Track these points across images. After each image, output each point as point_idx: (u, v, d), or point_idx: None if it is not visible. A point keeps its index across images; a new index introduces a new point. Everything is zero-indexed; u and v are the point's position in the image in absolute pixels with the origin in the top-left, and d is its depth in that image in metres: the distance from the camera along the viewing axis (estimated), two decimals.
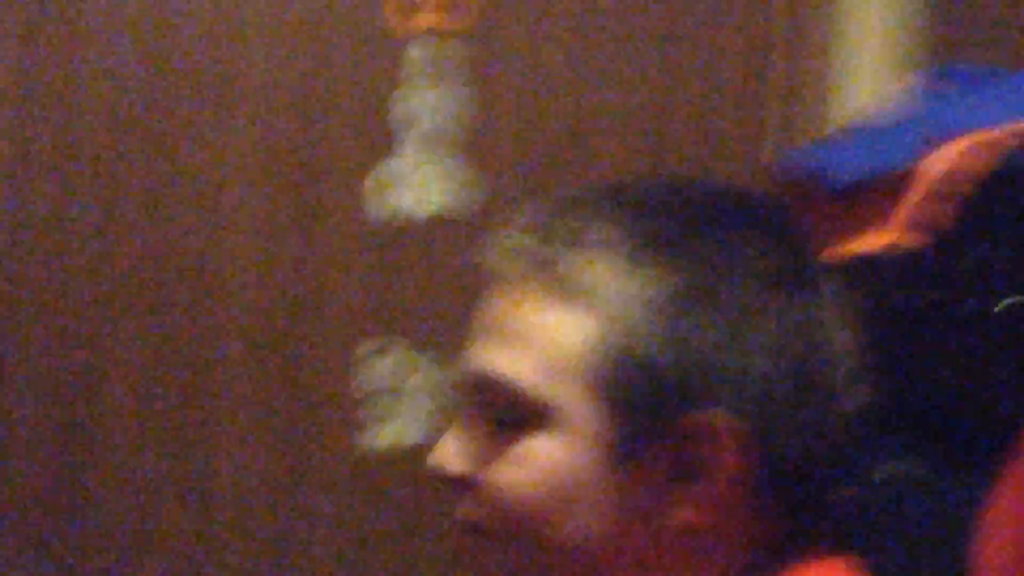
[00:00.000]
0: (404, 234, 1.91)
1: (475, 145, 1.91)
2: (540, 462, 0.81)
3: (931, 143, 1.61)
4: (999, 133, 1.50)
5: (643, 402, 0.80)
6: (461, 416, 0.86)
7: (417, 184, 1.89)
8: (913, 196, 1.58)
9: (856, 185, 1.66)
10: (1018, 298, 1.55)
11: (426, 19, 1.84)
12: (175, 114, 1.85)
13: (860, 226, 1.67)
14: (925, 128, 1.65)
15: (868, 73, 1.98)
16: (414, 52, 1.88)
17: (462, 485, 0.84)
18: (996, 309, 1.58)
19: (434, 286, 1.94)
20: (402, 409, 1.90)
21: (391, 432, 1.88)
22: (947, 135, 1.60)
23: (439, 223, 1.91)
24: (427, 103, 1.89)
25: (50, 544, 1.82)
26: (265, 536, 1.88)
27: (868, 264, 1.67)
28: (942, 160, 1.59)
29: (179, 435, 1.88)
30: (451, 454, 0.84)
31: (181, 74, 1.84)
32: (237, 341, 1.88)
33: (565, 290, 0.81)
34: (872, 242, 1.67)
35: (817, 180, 1.62)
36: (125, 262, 1.85)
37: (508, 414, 0.82)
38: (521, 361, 0.81)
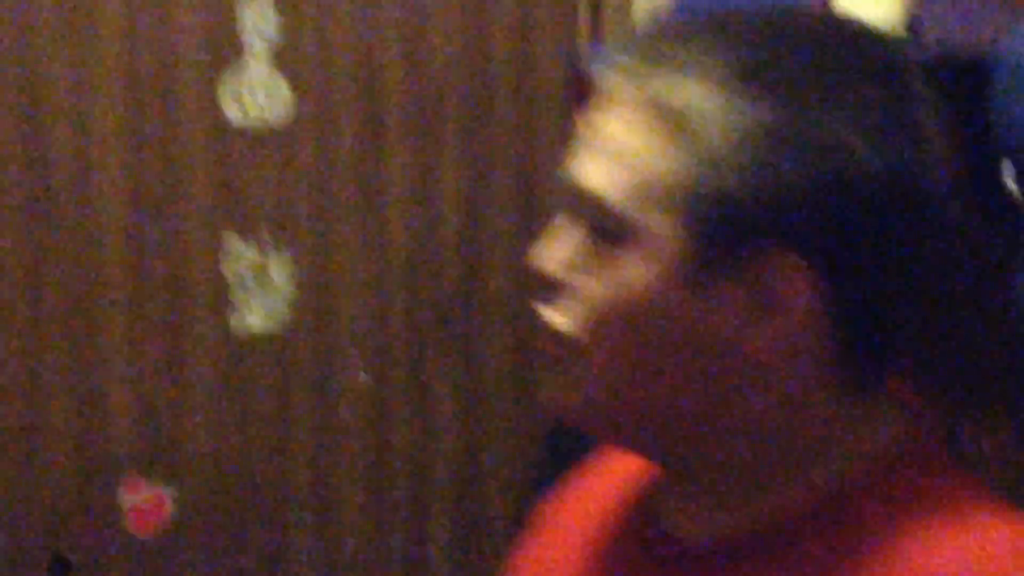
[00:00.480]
0: (252, 137, 2.02)
1: (300, 58, 2.03)
2: (620, 278, 0.78)
3: None
4: None
5: (724, 232, 0.77)
6: (561, 222, 0.84)
7: (258, 93, 2.01)
8: None
9: None
10: None
11: None
12: (44, 37, 1.93)
13: None
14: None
15: None
16: None
17: (553, 288, 0.82)
18: None
19: (282, 184, 2.07)
20: (258, 298, 2.05)
21: (253, 317, 2.03)
22: None
23: (278, 131, 2.02)
24: (265, 21, 1.98)
25: None
26: (149, 413, 2.01)
27: None
28: None
29: (68, 328, 1.98)
30: (548, 256, 0.82)
31: (43, 4, 1.92)
32: (114, 240, 1.99)
33: (661, 113, 0.78)
34: None
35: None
36: (10, 173, 1.94)
37: (598, 227, 0.79)
38: (611, 177, 0.78)
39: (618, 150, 0.78)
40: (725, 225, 0.75)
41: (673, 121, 0.76)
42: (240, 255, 1.99)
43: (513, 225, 2.11)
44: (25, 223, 1.95)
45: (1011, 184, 1.67)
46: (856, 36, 0.80)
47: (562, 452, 1.76)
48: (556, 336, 0.80)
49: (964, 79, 1.71)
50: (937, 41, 1.69)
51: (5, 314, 1.94)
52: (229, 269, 2.00)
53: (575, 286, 0.79)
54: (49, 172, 1.95)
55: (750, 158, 0.75)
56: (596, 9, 2.08)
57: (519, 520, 1.81)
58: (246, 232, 2.01)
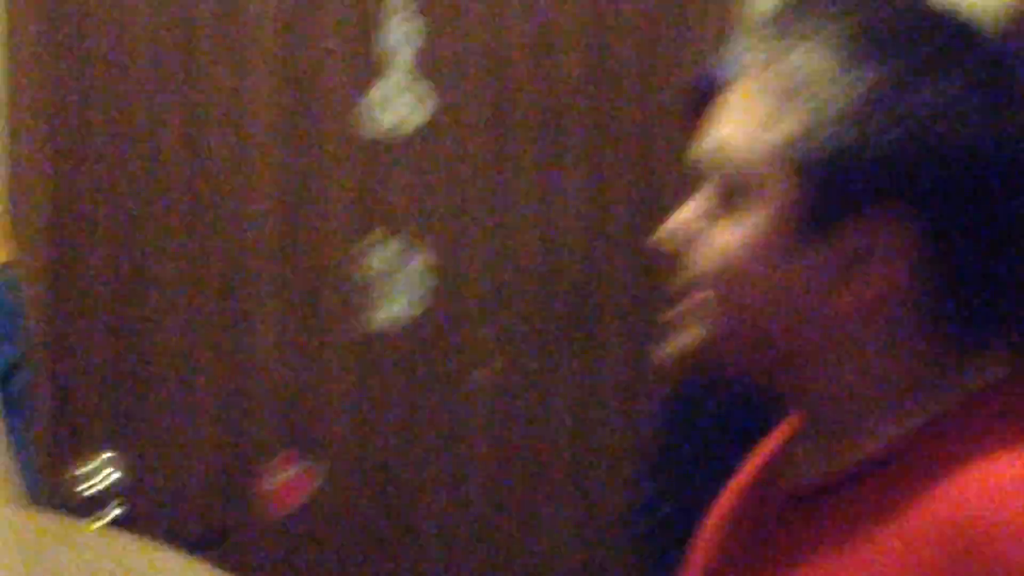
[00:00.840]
0: (391, 142, 2.08)
1: (436, 68, 2.09)
2: (742, 227, 0.84)
3: None
4: None
5: (835, 188, 0.80)
6: (698, 189, 0.90)
7: (397, 101, 2.07)
8: None
9: None
10: None
11: None
12: (204, 48, 2.04)
13: None
14: None
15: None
16: None
17: (680, 250, 0.88)
18: None
19: (419, 186, 2.14)
20: (395, 292, 2.11)
21: (387, 311, 2.09)
22: None
23: (415, 136, 2.08)
24: (406, 33, 2.04)
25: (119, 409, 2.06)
26: (293, 399, 2.11)
27: None
28: None
29: (220, 318, 2.09)
30: (686, 211, 0.89)
31: (204, 21, 2.04)
32: (265, 237, 2.09)
33: (781, 77, 0.82)
34: None
35: (720, 83, 1.76)
36: (173, 174, 2.06)
37: (725, 184, 0.84)
38: (736, 138, 0.83)
39: (743, 114, 0.83)
40: (836, 181, 0.79)
41: (790, 84, 0.80)
42: (379, 253, 2.06)
43: (634, 225, 2.16)
44: (185, 220, 2.07)
45: None
46: (953, 18, 0.83)
47: (674, 446, 1.81)
48: (689, 279, 0.86)
49: None
50: None
51: (165, 305, 2.07)
52: (369, 266, 2.07)
53: (706, 234, 0.85)
54: (207, 174, 2.07)
55: (861, 119, 0.78)
56: (719, 20, 2.10)
57: (633, 509, 1.86)
58: (385, 231, 2.08)
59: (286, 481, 2.06)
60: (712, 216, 0.85)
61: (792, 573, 0.86)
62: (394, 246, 2.09)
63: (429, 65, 2.07)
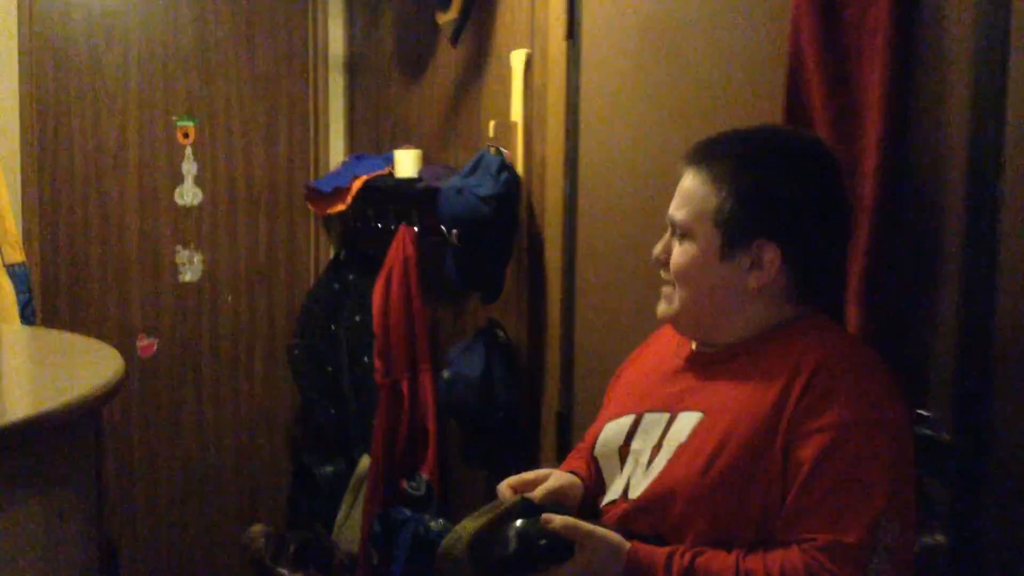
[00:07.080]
0: (185, 210, 3.83)
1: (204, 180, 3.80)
2: (688, 253, 1.43)
3: (353, 177, 3.59)
4: (365, 176, 3.52)
5: (734, 231, 1.38)
6: (668, 235, 1.48)
7: (188, 194, 3.89)
8: (347, 195, 3.55)
9: (330, 191, 3.68)
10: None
11: None
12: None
13: (332, 204, 3.68)
14: (351, 172, 3.65)
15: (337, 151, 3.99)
16: None
17: (661, 263, 1.47)
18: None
19: (199, 226, 3.94)
20: (187, 268, 3.91)
21: (186, 275, 3.88)
22: (356, 176, 3.60)
23: (198, 207, 3.82)
24: (192, 166, 3.85)
25: None
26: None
27: (338, 216, 3.81)
28: (354, 184, 3.58)
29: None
30: (659, 251, 1.48)
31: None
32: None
33: (707, 177, 1.40)
34: (338, 208, 3.67)
35: (316, 189, 3.73)
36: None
37: (678, 232, 1.44)
38: (682, 211, 1.43)
39: (686, 198, 1.44)
40: (734, 226, 1.39)
41: (713, 180, 1.40)
42: (181, 252, 3.91)
43: None
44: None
45: (453, 238, 2.74)
46: (797, 139, 1.45)
47: None
48: (666, 280, 1.46)
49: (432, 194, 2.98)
50: (428, 180, 3.16)
51: None
52: (177, 257, 3.92)
53: (670, 258, 1.46)
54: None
55: (745, 196, 1.37)
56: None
57: None
58: (185, 243, 3.92)
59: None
60: (673, 245, 1.45)
61: (707, 392, 1.42)
62: (187, 250, 3.92)
63: (202, 179, 3.86)
